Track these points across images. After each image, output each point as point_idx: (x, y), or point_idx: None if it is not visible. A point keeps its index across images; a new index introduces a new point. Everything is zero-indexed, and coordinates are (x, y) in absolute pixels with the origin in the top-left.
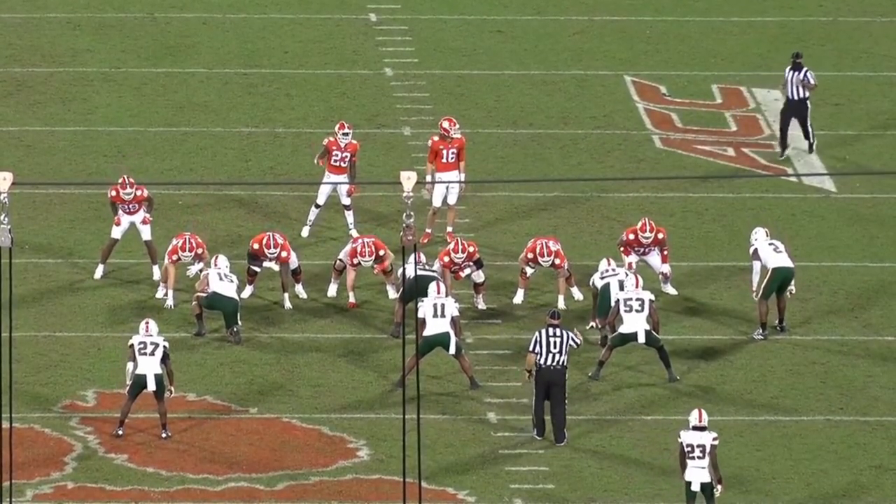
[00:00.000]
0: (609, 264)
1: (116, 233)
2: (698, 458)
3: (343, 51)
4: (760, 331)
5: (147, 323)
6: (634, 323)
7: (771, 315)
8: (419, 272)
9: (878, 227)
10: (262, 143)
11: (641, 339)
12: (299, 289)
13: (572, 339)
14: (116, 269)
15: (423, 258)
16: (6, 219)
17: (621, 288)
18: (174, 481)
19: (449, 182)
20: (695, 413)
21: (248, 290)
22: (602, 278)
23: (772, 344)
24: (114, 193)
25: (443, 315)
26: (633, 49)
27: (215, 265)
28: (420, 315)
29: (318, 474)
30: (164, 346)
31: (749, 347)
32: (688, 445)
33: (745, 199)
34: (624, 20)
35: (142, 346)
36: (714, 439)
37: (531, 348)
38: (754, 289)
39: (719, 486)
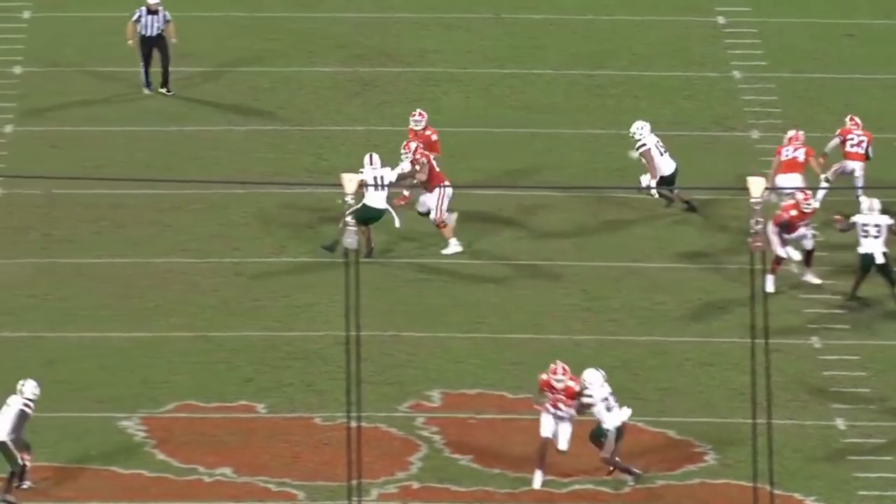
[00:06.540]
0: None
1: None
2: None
3: (691, 53)
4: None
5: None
6: (871, 246)
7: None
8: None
9: None
10: (608, 145)
11: (879, 259)
12: (810, 276)
13: None
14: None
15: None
16: (351, 221)
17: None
18: (518, 482)
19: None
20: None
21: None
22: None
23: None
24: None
25: (383, 188)
26: None
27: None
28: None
29: (665, 478)
30: None
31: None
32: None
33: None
34: None
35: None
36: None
37: None
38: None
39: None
